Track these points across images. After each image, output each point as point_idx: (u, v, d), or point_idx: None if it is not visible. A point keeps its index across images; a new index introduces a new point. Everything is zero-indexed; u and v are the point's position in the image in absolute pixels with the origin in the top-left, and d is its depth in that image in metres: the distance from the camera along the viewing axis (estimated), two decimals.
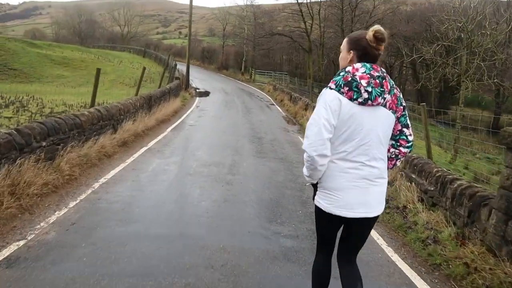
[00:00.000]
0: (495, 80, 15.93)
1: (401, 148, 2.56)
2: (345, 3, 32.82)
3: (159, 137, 10.44)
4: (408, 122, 2.57)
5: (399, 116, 2.50)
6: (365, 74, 2.32)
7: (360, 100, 2.29)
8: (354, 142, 2.35)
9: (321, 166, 2.36)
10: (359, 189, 2.38)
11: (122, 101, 10.18)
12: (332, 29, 35.87)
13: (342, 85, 2.31)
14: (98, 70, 8.67)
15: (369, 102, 2.31)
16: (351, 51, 2.44)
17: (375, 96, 2.31)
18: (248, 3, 42.25)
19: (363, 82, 2.29)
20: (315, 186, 2.56)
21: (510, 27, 16.01)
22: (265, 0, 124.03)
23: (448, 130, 22.49)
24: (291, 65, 55.14)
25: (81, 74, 30.12)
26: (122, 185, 6.12)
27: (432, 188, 5.90)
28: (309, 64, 35.80)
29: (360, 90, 2.28)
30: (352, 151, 2.36)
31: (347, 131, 2.34)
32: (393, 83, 2.46)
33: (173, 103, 16.12)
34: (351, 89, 2.29)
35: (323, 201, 2.46)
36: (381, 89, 2.33)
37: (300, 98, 19.05)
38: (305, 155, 2.39)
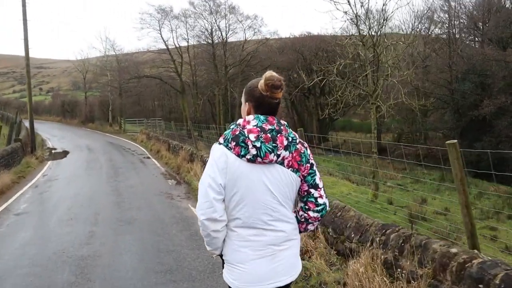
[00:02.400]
0: (404, 99, 13.66)
1: (309, 212, 2.15)
2: (215, 38, 29.92)
3: None
4: (318, 182, 2.15)
5: (305, 175, 2.10)
6: (255, 127, 1.97)
7: (248, 156, 1.94)
8: (249, 206, 2.00)
9: (214, 232, 2.03)
10: (265, 258, 2.05)
11: None
12: (205, 66, 32.61)
13: (230, 139, 1.98)
14: None
15: (259, 159, 1.95)
16: (247, 103, 2.10)
17: (265, 152, 1.94)
18: (109, 48, 36.95)
19: (251, 137, 1.94)
20: (222, 258, 2.15)
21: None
22: (127, 47, 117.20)
23: (340, 159, 20.13)
24: (164, 111, 50.73)
25: None
26: None
27: None
28: (183, 106, 31.87)
29: (248, 145, 1.94)
30: (250, 216, 2.02)
31: (238, 192, 1.99)
32: (296, 137, 2.07)
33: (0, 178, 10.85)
34: (238, 144, 1.95)
35: (229, 276, 2.10)
36: (273, 145, 1.96)
37: (181, 147, 14.84)
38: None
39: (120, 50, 36.90)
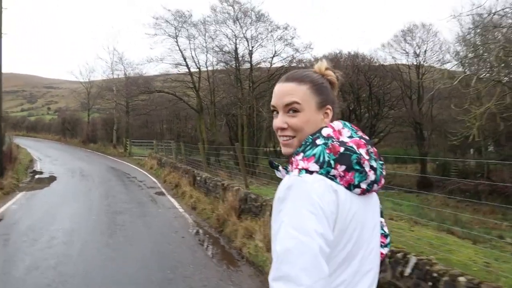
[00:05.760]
0: None
1: (381, 250, 1.32)
2: (239, 50, 24.46)
3: None
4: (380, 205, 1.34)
5: None
6: (357, 138, 1.16)
7: (364, 186, 1.11)
8: (355, 263, 1.12)
9: None
10: None
11: None
12: (224, 85, 26.85)
13: (333, 162, 1.08)
14: None
15: (375, 187, 1.16)
16: (329, 107, 1.22)
17: (380, 175, 1.17)
18: (117, 61, 31.18)
19: (363, 153, 1.12)
20: None
21: None
22: (137, 60, 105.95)
23: (392, 195, 14.37)
24: (172, 134, 45.27)
25: None
26: None
27: None
28: (201, 128, 25.98)
29: (364, 168, 1.11)
30: (353, 278, 1.12)
31: (347, 244, 1.09)
32: None
33: None
34: (351, 167, 1.09)
35: None
36: (381, 162, 1.20)
37: (224, 185, 8.74)
38: None
39: (129, 64, 31.14)
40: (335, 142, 1.11)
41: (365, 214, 1.15)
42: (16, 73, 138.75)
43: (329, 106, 1.20)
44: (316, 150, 1.10)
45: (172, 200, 10.61)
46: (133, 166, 20.54)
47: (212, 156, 21.26)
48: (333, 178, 1.07)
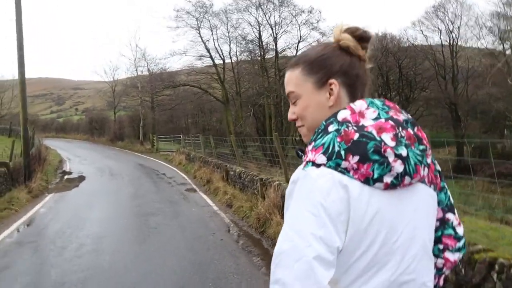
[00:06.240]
0: None
1: (447, 255, 1.09)
2: (263, 37, 23.62)
3: None
4: (452, 200, 1.10)
5: (437, 191, 1.06)
6: (382, 120, 0.94)
7: (388, 179, 0.90)
8: (385, 272, 0.93)
9: None
10: None
11: None
12: (249, 75, 26.12)
13: (344, 152, 0.90)
14: None
15: (407, 179, 0.92)
16: (334, 81, 1.01)
17: (415, 164, 0.93)
18: (140, 57, 30.82)
19: (387, 139, 0.91)
20: None
21: None
22: (159, 55, 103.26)
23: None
24: (198, 128, 44.98)
25: None
26: None
27: None
28: (227, 119, 25.36)
29: (387, 158, 0.90)
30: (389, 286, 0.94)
31: (370, 249, 0.91)
32: None
33: None
34: (366, 158, 0.90)
35: None
36: (421, 148, 0.95)
37: (262, 180, 8.04)
38: None
39: (152, 60, 30.71)
40: (350, 128, 0.92)
41: (399, 213, 0.93)
42: (44, 77, 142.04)
43: (332, 81, 1.00)
44: (326, 139, 0.94)
45: (205, 197, 9.99)
46: (161, 162, 20.12)
47: (240, 148, 20.63)
48: (344, 171, 0.90)
